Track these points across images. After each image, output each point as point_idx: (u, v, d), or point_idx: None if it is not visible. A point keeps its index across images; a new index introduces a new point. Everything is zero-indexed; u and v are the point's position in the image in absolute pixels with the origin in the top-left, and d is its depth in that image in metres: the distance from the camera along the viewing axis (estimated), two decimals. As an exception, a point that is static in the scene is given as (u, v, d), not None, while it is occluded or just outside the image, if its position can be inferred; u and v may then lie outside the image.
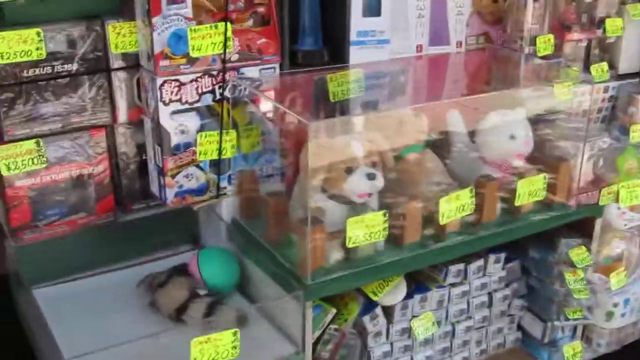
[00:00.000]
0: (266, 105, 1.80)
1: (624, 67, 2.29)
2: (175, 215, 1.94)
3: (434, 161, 1.81)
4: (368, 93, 1.94)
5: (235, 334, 1.53)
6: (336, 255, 1.66)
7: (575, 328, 2.15)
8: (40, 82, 1.69)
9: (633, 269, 2.16)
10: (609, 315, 2.15)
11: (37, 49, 1.64)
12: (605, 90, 2.25)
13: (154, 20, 1.65)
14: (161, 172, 1.78)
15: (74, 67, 1.73)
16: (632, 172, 2.09)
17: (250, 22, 1.78)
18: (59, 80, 1.72)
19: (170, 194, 1.80)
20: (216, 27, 1.70)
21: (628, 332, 2.24)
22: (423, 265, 1.82)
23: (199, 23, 1.70)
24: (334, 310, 1.79)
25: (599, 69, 2.23)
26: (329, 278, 1.63)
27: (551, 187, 1.92)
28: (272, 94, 1.84)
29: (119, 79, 1.79)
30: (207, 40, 1.71)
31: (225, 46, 1.73)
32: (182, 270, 1.84)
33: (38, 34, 1.61)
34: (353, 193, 1.62)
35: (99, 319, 1.74)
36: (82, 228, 1.83)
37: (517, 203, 1.84)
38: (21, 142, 1.70)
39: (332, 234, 1.63)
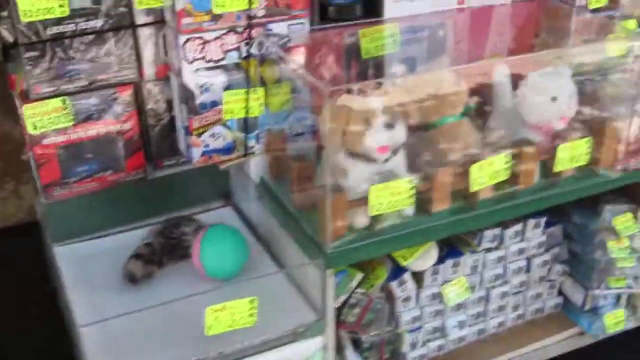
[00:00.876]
0: (293, 64, 1.74)
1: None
2: (207, 172, 1.91)
3: (471, 132, 1.70)
4: (403, 49, 1.85)
5: (252, 302, 1.53)
6: (361, 221, 1.61)
7: (619, 296, 2.06)
8: (64, 40, 1.68)
9: (684, 235, 2.04)
10: (655, 283, 2.06)
11: (60, 6, 1.63)
12: (668, 44, 2.09)
13: (174, -24, 1.60)
14: (187, 131, 1.76)
15: (98, 23, 1.70)
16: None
17: (277, -25, 1.71)
18: (84, 37, 1.70)
19: (196, 153, 1.77)
20: (241, -18, 1.64)
21: (676, 301, 2.14)
22: (453, 233, 1.75)
23: (223, -22, 1.64)
24: (361, 275, 1.76)
25: (659, 21, 2.07)
26: (351, 247, 1.58)
27: (596, 151, 1.82)
28: (301, 50, 1.77)
29: (145, 35, 1.74)
30: (230, -4, 1.65)
31: (250, 2, 1.67)
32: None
33: (60, -10, 1.60)
34: (373, 148, 1.54)
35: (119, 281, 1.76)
36: (112, 185, 1.83)
37: (556, 169, 1.75)
38: (47, 100, 1.69)
39: (356, 201, 1.58)
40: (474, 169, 1.64)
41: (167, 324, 1.54)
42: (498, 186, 1.72)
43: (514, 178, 1.73)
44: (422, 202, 1.65)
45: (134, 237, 1.88)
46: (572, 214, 1.97)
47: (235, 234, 1.80)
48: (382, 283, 1.78)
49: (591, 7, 1.90)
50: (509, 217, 1.80)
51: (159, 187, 1.90)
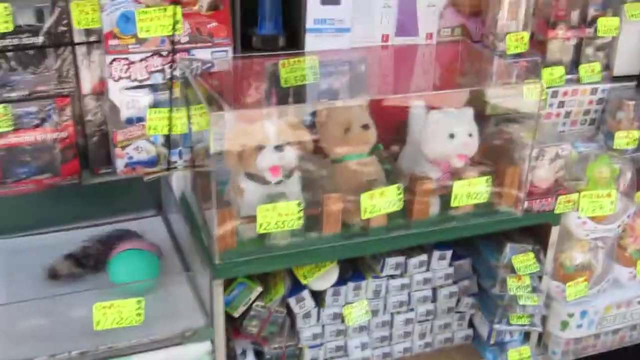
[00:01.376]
0: (209, 87, 1.87)
1: (620, 69, 2.18)
2: (140, 183, 2.04)
3: (373, 170, 1.82)
4: (325, 81, 1.96)
5: (139, 302, 1.66)
6: (251, 237, 1.74)
7: (527, 334, 2.12)
8: (7, 52, 1.85)
9: (596, 280, 2.09)
10: (564, 324, 2.10)
11: (5, 22, 1.80)
12: (594, 92, 2.15)
13: (102, 2, 1.76)
14: (112, 143, 1.91)
15: (40, 40, 1.87)
16: (601, 181, 2.00)
17: (200, 6, 1.85)
18: (26, 51, 1.87)
19: (120, 163, 1.92)
20: (165, 10, 1.79)
21: (588, 344, 2.18)
22: (343, 256, 1.85)
23: (148, 6, 1.79)
24: (260, 289, 1.87)
25: (589, 69, 2.14)
26: (240, 260, 1.71)
27: (499, 190, 1.90)
28: (223, 76, 1.91)
29: (82, 53, 1.90)
30: (155, 22, 1.79)
31: (173, 28, 1.82)
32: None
33: (5, 8, 1.77)
34: (264, 168, 1.67)
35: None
36: (48, 188, 1.99)
37: (453, 204, 1.83)
38: (-11, 106, 1.87)
39: (247, 218, 1.70)
40: (364, 198, 1.74)
41: (61, 318, 1.68)
42: (394, 216, 1.83)
43: (410, 210, 1.83)
44: (314, 224, 1.76)
45: (65, 237, 2.03)
46: (480, 249, 2.04)
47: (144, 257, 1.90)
48: (280, 298, 1.88)
49: (509, 52, 1.98)
50: (403, 246, 1.90)
51: (93, 193, 2.05)
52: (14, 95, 1.89)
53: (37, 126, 1.93)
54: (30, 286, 1.85)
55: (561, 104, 2.14)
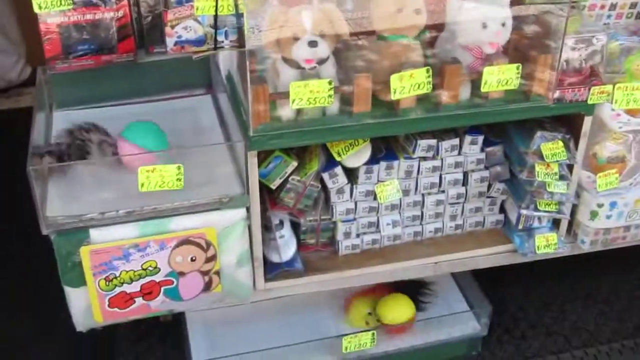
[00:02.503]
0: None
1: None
2: (191, 62, 2.17)
3: (415, 54, 1.86)
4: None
5: (179, 168, 1.81)
6: (286, 113, 1.85)
7: (557, 222, 2.18)
8: (69, -64, 1.98)
9: (628, 173, 2.12)
10: (593, 214, 2.15)
11: None
12: (641, -17, 2.13)
13: None
14: (162, 22, 2.03)
15: None
16: (637, 74, 2.00)
17: None
18: None
19: (170, 42, 2.05)
20: None
21: (617, 235, 2.22)
22: (372, 134, 1.94)
23: None
24: (295, 163, 2.00)
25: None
26: (272, 133, 1.82)
27: (531, 78, 1.93)
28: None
29: (138, -63, 2.02)
30: None
31: None
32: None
33: None
34: (299, 58, 1.77)
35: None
36: (105, 64, 2.14)
37: (482, 89, 1.88)
38: (51, -15, 2.01)
39: (281, 94, 1.81)
40: (394, 79, 1.81)
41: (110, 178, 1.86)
42: (426, 100, 1.90)
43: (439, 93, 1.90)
44: (346, 103, 1.86)
45: (122, 111, 2.19)
46: (512, 136, 2.09)
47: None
48: (314, 173, 2.00)
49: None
50: (431, 128, 1.97)
51: (148, 71, 2.19)
52: (74, -26, 2.04)
53: (95, 5, 2.08)
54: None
55: (606, -5, 2.13)
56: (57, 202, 1.84)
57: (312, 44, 1.75)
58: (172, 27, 2.03)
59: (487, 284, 2.50)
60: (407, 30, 1.87)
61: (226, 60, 2.13)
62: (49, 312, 2.47)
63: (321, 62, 1.80)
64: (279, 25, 1.77)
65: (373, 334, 2.25)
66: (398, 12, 1.84)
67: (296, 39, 1.76)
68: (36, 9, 2.01)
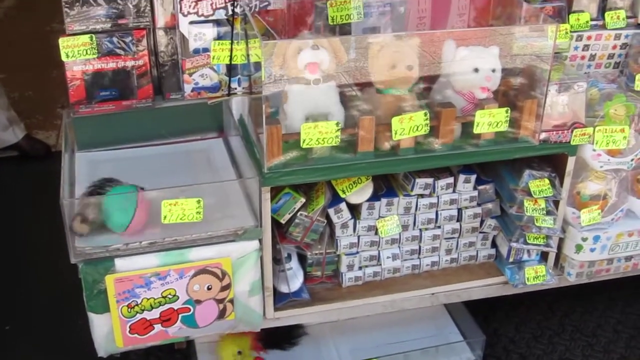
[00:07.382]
0: (265, 22, 2.14)
1: (647, 16, 2.35)
2: (205, 107, 2.35)
3: (412, 103, 2.04)
4: (367, 20, 2.21)
5: (199, 202, 1.96)
6: (296, 156, 2.02)
7: (545, 255, 2.35)
8: (94, -10, 2.17)
9: (610, 210, 2.29)
10: (578, 247, 2.32)
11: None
12: (618, 37, 2.34)
13: (175, -54, 2.05)
14: (181, 70, 2.21)
15: (121, -21, 2.18)
16: (616, 118, 2.19)
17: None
18: (110, -11, 2.18)
19: (187, 88, 2.23)
20: (228, -47, 2.06)
21: (601, 268, 2.39)
22: (375, 172, 2.11)
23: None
24: (303, 200, 2.16)
25: (615, 16, 2.32)
26: (284, 170, 1.99)
27: (518, 123, 2.12)
28: (277, 13, 2.18)
29: (157, -9, 2.21)
30: (219, -35, 2.08)
31: (234, -30, 2.09)
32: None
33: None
34: (303, 65, 1.92)
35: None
36: (125, 109, 2.31)
37: (475, 131, 2.07)
38: (78, 36, 2.18)
39: (291, 135, 1.98)
40: (395, 121, 1.99)
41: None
42: (421, 140, 2.07)
43: (436, 135, 2.07)
44: (351, 143, 2.03)
45: (140, 152, 2.35)
46: (503, 174, 2.27)
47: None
48: (321, 208, 2.16)
49: (536, -1, 2.19)
50: (428, 166, 2.14)
51: (164, 116, 2.36)
52: (98, 27, 2.21)
53: (117, 55, 2.26)
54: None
55: (586, 47, 2.33)
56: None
57: (315, 47, 1.92)
58: (190, 74, 2.21)
59: (480, 318, 2.64)
60: (401, 85, 2.06)
61: (238, 105, 2.31)
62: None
63: (325, 76, 1.96)
64: (282, 48, 1.94)
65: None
66: (392, 68, 2.02)
67: (300, 49, 1.92)
68: (64, 58, 2.19)
